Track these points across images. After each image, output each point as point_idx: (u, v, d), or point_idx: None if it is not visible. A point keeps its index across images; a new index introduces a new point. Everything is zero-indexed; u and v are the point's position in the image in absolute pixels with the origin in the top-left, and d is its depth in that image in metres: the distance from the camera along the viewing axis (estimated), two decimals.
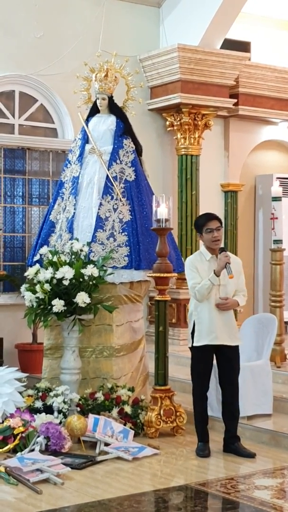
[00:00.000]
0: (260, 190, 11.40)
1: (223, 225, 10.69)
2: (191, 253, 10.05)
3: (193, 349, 6.26)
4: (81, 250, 6.99)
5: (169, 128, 10.38)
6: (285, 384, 7.88)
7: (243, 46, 10.95)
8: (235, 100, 10.56)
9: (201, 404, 6.30)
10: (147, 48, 10.30)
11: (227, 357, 6.24)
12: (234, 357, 6.27)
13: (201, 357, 6.23)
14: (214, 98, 10.22)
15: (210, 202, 10.72)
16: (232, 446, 6.25)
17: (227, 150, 11.04)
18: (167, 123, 10.37)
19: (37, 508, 5.03)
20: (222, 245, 6.33)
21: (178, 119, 10.20)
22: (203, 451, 6.17)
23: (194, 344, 6.22)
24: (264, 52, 11.34)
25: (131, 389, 6.98)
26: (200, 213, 10.24)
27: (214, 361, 6.36)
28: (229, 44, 10.45)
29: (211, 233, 6.17)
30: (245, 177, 11.25)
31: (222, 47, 10.27)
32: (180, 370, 8.61)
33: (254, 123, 11.21)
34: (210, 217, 6.30)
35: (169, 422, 6.79)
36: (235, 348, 6.27)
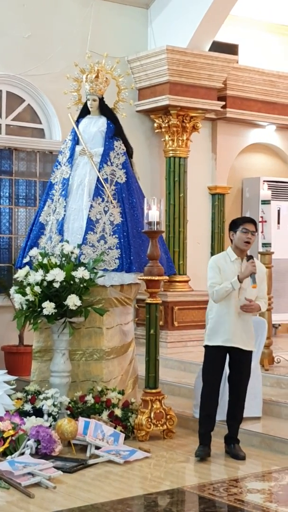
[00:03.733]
0: (247, 193, 11.46)
1: (211, 228, 10.95)
2: (179, 256, 10.19)
3: (206, 348, 6.30)
4: (72, 253, 6.98)
5: (157, 130, 10.41)
6: (273, 387, 7.92)
7: (231, 49, 10.99)
8: (223, 103, 10.61)
9: (207, 406, 6.30)
10: (135, 49, 10.32)
11: (239, 361, 6.28)
12: (245, 361, 6.30)
13: (213, 357, 6.26)
14: (202, 100, 10.26)
15: (197, 204, 10.77)
16: (228, 447, 6.34)
17: (214, 153, 11.09)
18: (155, 125, 10.40)
19: None
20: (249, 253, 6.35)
21: (166, 121, 10.23)
22: (201, 452, 6.20)
23: (206, 343, 6.27)
24: (252, 55, 11.39)
25: (121, 392, 6.99)
26: (188, 216, 10.37)
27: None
28: (217, 47, 10.50)
29: (246, 234, 6.19)
30: (232, 180, 11.31)
31: (210, 49, 10.32)
32: (168, 372, 8.65)
33: (241, 126, 11.27)
34: (250, 219, 6.36)
35: (159, 425, 6.81)
36: (248, 353, 6.30)
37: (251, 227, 6.24)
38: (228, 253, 6.34)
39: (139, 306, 9.72)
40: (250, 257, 6.21)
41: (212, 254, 10.74)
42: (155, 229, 6.75)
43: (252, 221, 6.32)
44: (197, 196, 10.79)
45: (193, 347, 9.80)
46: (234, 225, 6.33)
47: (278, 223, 11.04)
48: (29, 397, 6.95)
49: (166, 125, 10.25)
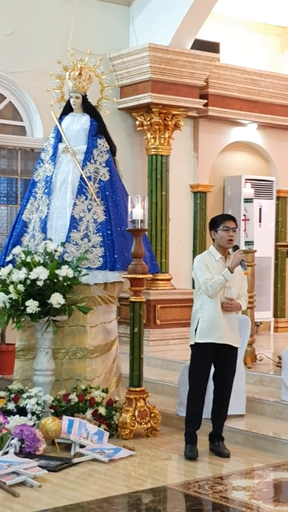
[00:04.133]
0: (229, 191, 11.51)
1: (192, 226, 10.98)
2: (161, 254, 10.22)
3: (195, 346, 6.28)
4: (56, 251, 6.97)
5: (139, 128, 10.43)
6: (256, 384, 7.97)
7: (213, 47, 11.00)
8: (205, 101, 10.65)
9: (195, 405, 6.30)
10: (116, 47, 10.33)
11: (226, 358, 6.29)
12: (233, 358, 6.33)
13: (202, 355, 6.25)
14: (184, 98, 10.30)
15: (179, 203, 10.80)
16: (212, 444, 6.37)
17: (196, 151, 11.12)
18: (137, 122, 10.42)
19: (15, 511, 5.02)
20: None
21: (148, 119, 10.25)
22: (191, 452, 6.20)
23: (197, 341, 6.23)
24: (233, 53, 11.43)
25: (105, 391, 7.00)
26: (170, 214, 10.39)
27: None
28: (198, 45, 10.52)
29: (227, 232, 6.22)
30: (214, 178, 11.35)
31: (192, 47, 10.35)
32: (150, 371, 8.66)
33: (223, 124, 11.32)
34: (229, 217, 6.39)
35: (143, 423, 6.83)
36: (235, 350, 6.34)
37: (232, 224, 6.27)
38: (212, 252, 6.36)
39: (121, 304, 9.71)
40: (236, 247, 6.25)
41: (194, 252, 10.79)
42: (139, 227, 6.76)
43: (231, 218, 6.34)
44: (179, 195, 10.82)
45: (175, 345, 9.84)
46: (214, 224, 6.34)
47: (260, 221, 11.11)
48: (12, 396, 6.93)
49: (148, 123, 10.27)
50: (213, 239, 6.36)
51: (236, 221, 6.36)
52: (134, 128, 10.52)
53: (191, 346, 6.34)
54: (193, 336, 6.29)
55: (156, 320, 10.02)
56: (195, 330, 6.25)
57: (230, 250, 6.32)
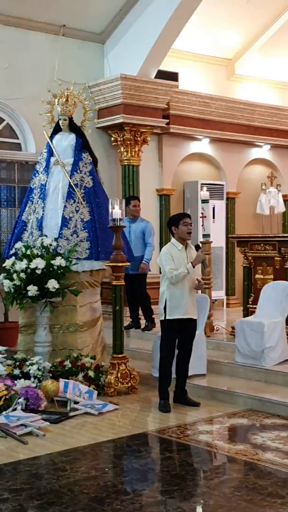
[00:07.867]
0: (188, 193, 11.61)
1: (159, 222, 11.09)
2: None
3: (165, 321, 6.41)
4: (50, 245, 7.06)
5: (114, 143, 10.49)
6: (214, 349, 8.11)
7: (172, 76, 11.07)
8: (167, 120, 10.73)
9: (168, 368, 6.45)
10: (93, 77, 10.36)
11: (189, 328, 6.45)
12: (194, 327, 6.50)
13: (172, 328, 6.39)
14: (150, 118, 10.37)
15: (148, 204, 10.88)
16: (182, 398, 6.51)
17: (161, 161, 11.22)
18: (112, 139, 10.48)
19: (26, 455, 5.12)
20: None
21: (121, 135, 10.33)
22: (165, 407, 6.32)
23: (167, 317, 6.36)
24: (189, 81, 11.52)
25: (93, 358, 7.11)
26: (141, 214, 10.41)
27: None
28: (161, 74, 10.58)
29: (187, 226, 6.39)
30: (176, 183, 11.44)
31: (156, 76, 10.41)
32: (128, 341, 8.76)
33: (182, 139, 11.40)
34: (186, 215, 6.57)
35: (125, 383, 6.96)
36: (195, 321, 6.51)
37: (189, 220, 6.45)
38: (174, 243, 6.48)
39: (102, 287, 9.80)
40: (198, 246, 6.39)
41: (161, 244, 10.88)
42: (118, 224, 6.86)
43: (188, 216, 6.53)
44: (147, 197, 10.89)
45: None
46: (175, 221, 6.47)
47: (213, 218, 11.23)
48: (18, 363, 7.01)
49: (121, 139, 10.34)
50: (173, 233, 6.49)
51: (191, 218, 6.53)
52: (110, 144, 10.58)
53: (161, 321, 6.48)
54: (162, 313, 6.42)
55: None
56: (164, 308, 6.38)
57: (189, 242, 6.47)
